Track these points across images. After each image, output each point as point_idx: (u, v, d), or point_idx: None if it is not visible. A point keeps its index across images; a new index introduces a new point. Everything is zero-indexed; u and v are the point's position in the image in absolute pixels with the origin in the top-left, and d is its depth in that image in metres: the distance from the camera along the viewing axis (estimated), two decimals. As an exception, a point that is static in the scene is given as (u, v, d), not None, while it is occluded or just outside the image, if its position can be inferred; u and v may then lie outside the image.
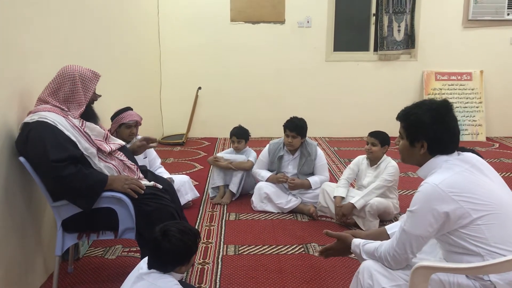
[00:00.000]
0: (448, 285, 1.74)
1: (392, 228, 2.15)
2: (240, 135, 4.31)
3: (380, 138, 3.67)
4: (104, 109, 3.29)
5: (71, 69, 2.50)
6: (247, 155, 4.33)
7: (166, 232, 1.88)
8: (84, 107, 2.52)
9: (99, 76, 2.61)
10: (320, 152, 4.05)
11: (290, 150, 4.00)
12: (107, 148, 2.54)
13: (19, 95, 2.51)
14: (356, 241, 2.02)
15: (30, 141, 2.31)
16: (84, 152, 2.40)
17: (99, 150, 2.49)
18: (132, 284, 1.89)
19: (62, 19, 3.11)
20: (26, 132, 2.33)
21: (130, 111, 3.62)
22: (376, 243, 1.93)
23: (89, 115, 2.58)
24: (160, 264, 1.89)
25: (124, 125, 3.57)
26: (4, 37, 2.35)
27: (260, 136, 6.62)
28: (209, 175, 4.86)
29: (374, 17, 6.90)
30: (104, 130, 2.66)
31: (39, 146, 2.29)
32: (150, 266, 1.90)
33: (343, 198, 3.64)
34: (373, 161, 3.73)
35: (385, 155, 3.72)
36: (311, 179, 3.95)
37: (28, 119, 2.38)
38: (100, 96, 2.70)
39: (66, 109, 2.47)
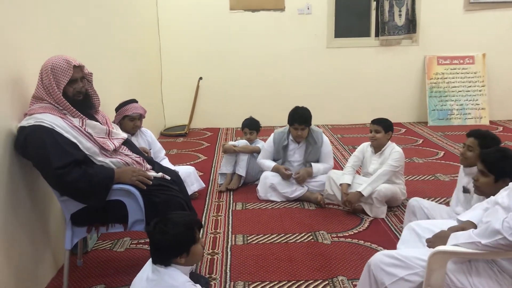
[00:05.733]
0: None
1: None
2: (251, 126, 4.34)
3: (383, 125, 3.65)
4: (106, 102, 3.25)
5: (48, 60, 2.38)
6: (255, 144, 4.35)
7: (157, 224, 1.90)
8: (63, 104, 2.36)
9: (72, 65, 2.38)
10: (326, 139, 4.03)
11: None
12: (110, 146, 2.49)
13: (18, 86, 2.44)
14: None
15: (30, 147, 2.25)
16: (87, 152, 2.35)
17: (102, 148, 2.44)
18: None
19: (61, 11, 3.06)
20: (23, 137, 2.26)
21: (134, 104, 3.60)
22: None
23: (80, 108, 2.44)
24: (158, 256, 1.91)
25: (127, 117, 3.55)
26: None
27: (263, 125, 6.56)
28: (213, 165, 4.89)
29: (375, 2, 6.83)
30: (105, 125, 2.57)
31: (41, 154, 2.23)
32: (153, 260, 1.93)
33: (349, 185, 3.64)
34: (377, 148, 3.71)
35: (389, 142, 3.70)
36: (314, 166, 3.92)
37: (24, 122, 2.30)
38: (84, 87, 2.48)
39: (62, 108, 2.37)
